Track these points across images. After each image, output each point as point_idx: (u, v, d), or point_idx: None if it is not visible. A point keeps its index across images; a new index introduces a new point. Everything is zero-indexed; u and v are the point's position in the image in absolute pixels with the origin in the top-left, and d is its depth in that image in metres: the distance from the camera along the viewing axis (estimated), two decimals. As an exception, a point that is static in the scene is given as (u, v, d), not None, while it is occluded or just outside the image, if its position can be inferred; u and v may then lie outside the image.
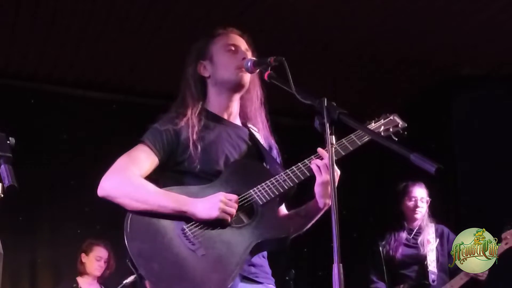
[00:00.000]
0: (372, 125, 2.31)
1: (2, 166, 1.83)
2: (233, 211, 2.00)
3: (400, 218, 4.49)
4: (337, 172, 2.09)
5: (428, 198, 4.45)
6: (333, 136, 1.78)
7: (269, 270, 2.20)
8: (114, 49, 5.30)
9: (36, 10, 4.67)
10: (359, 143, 2.20)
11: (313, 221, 2.23)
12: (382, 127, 2.31)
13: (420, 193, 4.42)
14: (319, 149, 2.13)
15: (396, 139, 2.28)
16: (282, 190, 2.10)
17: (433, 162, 1.59)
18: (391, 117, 2.37)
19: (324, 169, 2.09)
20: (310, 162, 2.13)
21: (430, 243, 4.32)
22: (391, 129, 2.33)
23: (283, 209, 2.32)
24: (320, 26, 5.00)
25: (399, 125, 2.35)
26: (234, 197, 2.02)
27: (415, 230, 4.42)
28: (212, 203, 1.99)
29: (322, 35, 5.14)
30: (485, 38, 5.17)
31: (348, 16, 4.87)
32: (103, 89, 5.98)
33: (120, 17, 4.83)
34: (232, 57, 2.26)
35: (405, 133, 2.34)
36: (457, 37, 5.16)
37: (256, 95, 2.35)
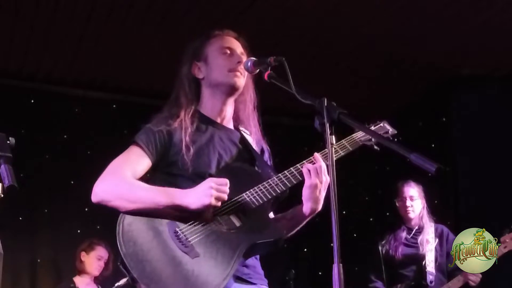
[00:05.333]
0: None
1: (2, 166, 1.83)
2: (224, 196, 1.99)
3: (397, 218, 4.50)
4: (327, 178, 2.08)
5: (418, 197, 4.43)
6: (333, 136, 1.78)
7: (261, 271, 2.19)
8: (114, 49, 5.30)
9: (36, 10, 4.67)
10: (351, 149, 2.21)
11: (299, 226, 2.22)
12: None
13: (408, 192, 4.43)
14: (315, 154, 2.13)
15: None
16: (274, 194, 2.09)
17: (433, 162, 1.59)
18: (381, 124, 2.39)
19: (313, 172, 2.09)
20: (302, 166, 2.13)
21: (429, 243, 4.32)
22: None
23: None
24: (320, 26, 5.00)
25: (389, 132, 2.38)
26: (224, 180, 2.00)
27: (414, 230, 4.42)
28: (203, 190, 1.97)
29: (322, 35, 5.14)
30: (485, 38, 5.17)
31: (349, 16, 4.87)
32: (103, 89, 5.98)
33: (120, 17, 4.83)
34: (227, 60, 2.25)
35: (395, 140, 2.35)
36: (457, 38, 5.17)
37: (250, 98, 2.34)
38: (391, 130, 2.38)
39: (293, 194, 2.20)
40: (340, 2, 4.69)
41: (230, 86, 2.24)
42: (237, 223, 2.06)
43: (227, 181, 2.01)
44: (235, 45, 2.30)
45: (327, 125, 1.76)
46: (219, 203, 1.99)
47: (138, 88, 6.02)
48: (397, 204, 4.49)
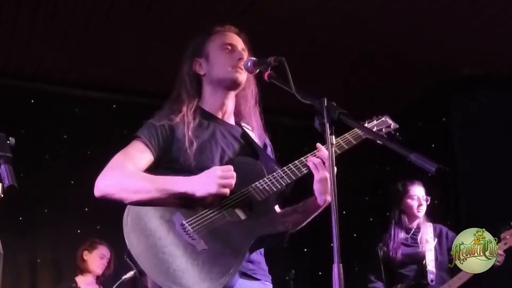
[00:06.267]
0: (366, 126, 2.32)
1: (2, 166, 1.83)
2: (231, 182, 1.99)
3: (400, 217, 4.47)
4: (335, 169, 2.09)
5: (427, 196, 4.45)
6: (333, 136, 1.79)
7: (266, 267, 2.19)
8: (114, 49, 5.30)
9: (36, 10, 4.67)
10: (354, 142, 2.22)
11: (310, 218, 2.23)
12: (375, 128, 2.35)
13: (421, 192, 4.43)
14: (318, 144, 2.14)
15: None
16: (279, 187, 2.10)
17: (433, 162, 1.59)
18: (383, 118, 2.41)
19: (320, 166, 2.10)
20: (306, 160, 2.14)
21: (428, 242, 4.32)
22: (383, 130, 2.37)
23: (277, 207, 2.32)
24: (321, 26, 5.00)
25: (391, 126, 2.40)
26: (229, 167, 2.02)
27: (413, 229, 4.42)
28: (209, 178, 1.98)
29: (322, 35, 5.15)
30: (485, 38, 5.17)
31: (349, 17, 4.87)
32: (103, 89, 5.98)
33: (120, 17, 4.83)
34: (228, 57, 2.26)
35: (397, 134, 2.37)
36: (457, 37, 5.17)
37: (251, 93, 2.35)
38: (393, 124, 2.40)
39: (297, 188, 2.21)
40: (340, 2, 4.69)
41: (231, 82, 2.25)
42: (242, 216, 2.06)
43: (231, 167, 2.02)
44: (236, 41, 2.31)
45: (327, 125, 1.76)
46: (227, 191, 1.99)
47: (138, 88, 6.02)
48: (407, 202, 4.42)
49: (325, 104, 1.78)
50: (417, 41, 5.22)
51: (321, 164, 2.10)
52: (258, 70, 2.16)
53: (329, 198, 2.11)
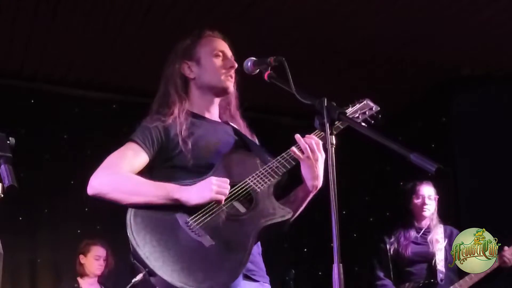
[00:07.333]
0: (350, 110, 2.37)
1: (2, 166, 1.83)
2: (226, 191, 2.01)
3: (409, 216, 4.48)
4: (322, 154, 2.12)
5: (436, 196, 4.45)
6: (333, 136, 1.79)
7: (264, 268, 2.20)
8: (114, 49, 5.30)
9: (36, 10, 4.67)
10: (341, 127, 2.22)
11: (302, 207, 2.23)
12: (359, 111, 2.38)
13: (427, 191, 4.43)
14: (297, 136, 2.17)
15: (373, 122, 2.37)
16: (276, 176, 2.13)
17: (433, 162, 1.60)
18: (365, 102, 2.44)
19: (306, 152, 2.12)
20: (297, 148, 2.17)
21: (438, 242, 4.32)
22: (367, 113, 2.40)
23: None
24: (321, 26, 5.00)
25: (373, 109, 2.43)
26: (225, 179, 2.04)
27: (424, 229, 4.42)
28: (204, 185, 2.01)
29: (322, 35, 5.14)
30: (485, 38, 5.17)
31: (349, 17, 4.87)
32: (103, 89, 5.98)
33: (120, 17, 4.83)
34: (221, 64, 2.29)
35: (379, 116, 2.39)
36: (457, 37, 5.17)
37: (234, 96, 2.39)
38: (374, 107, 2.43)
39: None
40: (340, 2, 4.69)
41: (222, 90, 2.30)
42: (242, 209, 2.07)
43: (227, 180, 2.04)
44: (226, 48, 2.35)
45: (327, 125, 1.77)
46: (222, 198, 2.01)
47: (138, 88, 6.01)
48: (413, 201, 4.44)
49: (325, 104, 1.80)
50: (417, 41, 5.22)
51: (306, 150, 2.12)
52: (258, 70, 2.17)
53: (316, 183, 2.14)
